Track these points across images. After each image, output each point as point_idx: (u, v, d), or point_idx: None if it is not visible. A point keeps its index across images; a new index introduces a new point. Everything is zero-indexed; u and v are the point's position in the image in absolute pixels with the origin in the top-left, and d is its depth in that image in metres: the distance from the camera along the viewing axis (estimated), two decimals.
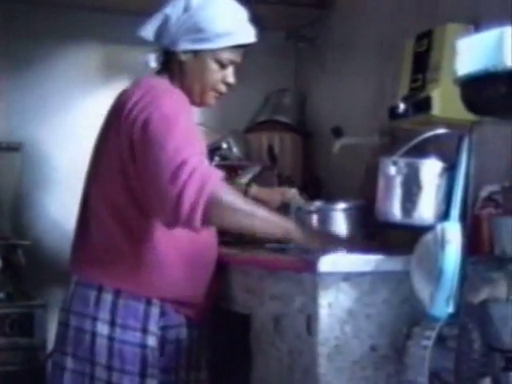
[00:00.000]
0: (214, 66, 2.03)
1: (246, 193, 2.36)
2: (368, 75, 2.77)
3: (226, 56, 2.03)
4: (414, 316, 1.76)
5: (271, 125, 3.13)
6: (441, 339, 1.68)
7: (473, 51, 1.56)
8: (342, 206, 2.17)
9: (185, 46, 2.00)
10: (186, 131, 1.85)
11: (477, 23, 2.13)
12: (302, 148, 3.13)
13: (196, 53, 2.01)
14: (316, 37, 3.16)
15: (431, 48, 2.14)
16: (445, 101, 2.03)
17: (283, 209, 2.26)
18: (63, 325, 2.00)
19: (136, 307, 1.95)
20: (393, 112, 2.18)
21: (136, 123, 1.86)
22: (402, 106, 2.15)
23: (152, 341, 1.96)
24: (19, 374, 2.62)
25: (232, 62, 2.05)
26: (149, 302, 1.96)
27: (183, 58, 2.02)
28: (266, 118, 3.16)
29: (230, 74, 2.06)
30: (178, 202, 1.74)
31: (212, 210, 1.77)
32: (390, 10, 2.67)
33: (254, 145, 3.01)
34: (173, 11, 2.01)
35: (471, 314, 1.70)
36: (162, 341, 1.98)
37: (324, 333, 1.75)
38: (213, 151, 2.73)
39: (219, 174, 1.82)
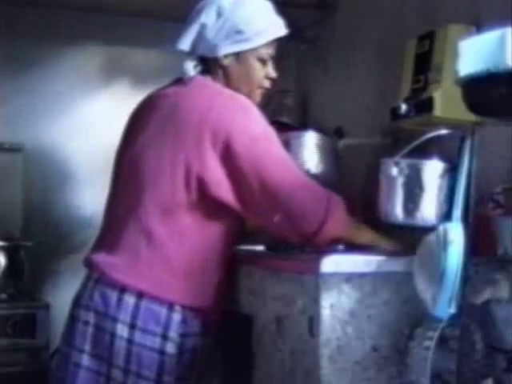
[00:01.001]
0: (257, 65, 2.07)
1: None
2: (370, 76, 2.77)
3: (265, 52, 2.07)
4: (416, 317, 1.76)
5: (273, 126, 3.12)
6: (443, 340, 1.68)
7: (474, 52, 1.56)
8: None
9: (225, 50, 2.02)
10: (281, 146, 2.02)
11: (478, 24, 2.12)
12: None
13: (238, 55, 2.04)
14: (318, 38, 3.16)
15: (433, 49, 2.14)
16: (447, 101, 2.03)
17: None
18: (82, 322, 1.98)
19: (158, 312, 1.94)
20: (395, 113, 2.18)
21: (232, 132, 1.91)
22: (403, 107, 2.14)
23: (171, 348, 1.95)
24: (21, 375, 2.62)
25: (271, 57, 2.09)
26: (171, 308, 1.95)
27: (225, 62, 2.04)
28: (268, 119, 3.16)
29: (271, 69, 2.11)
30: (320, 227, 1.93)
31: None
32: (391, 11, 2.67)
33: None
34: (207, 19, 2.02)
35: (473, 315, 1.70)
36: (180, 349, 1.96)
37: (326, 334, 1.75)
38: None
39: (343, 204, 1.99)
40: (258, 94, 2.11)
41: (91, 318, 1.96)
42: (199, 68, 2.04)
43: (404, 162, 1.85)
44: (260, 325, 2.01)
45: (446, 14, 2.32)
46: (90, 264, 2.04)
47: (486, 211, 1.86)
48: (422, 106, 2.10)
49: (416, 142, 1.85)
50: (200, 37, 2.03)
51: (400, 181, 1.85)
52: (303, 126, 3.21)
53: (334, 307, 1.75)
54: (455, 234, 1.66)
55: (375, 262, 1.77)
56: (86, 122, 2.85)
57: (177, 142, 1.94)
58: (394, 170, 1.85)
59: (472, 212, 1.68)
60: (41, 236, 2.99)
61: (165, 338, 1.94)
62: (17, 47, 2.99)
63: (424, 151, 1.87)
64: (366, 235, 2.03)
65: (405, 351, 1.74)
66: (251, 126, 1.95)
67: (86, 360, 1.96)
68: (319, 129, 2.80)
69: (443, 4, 2.36)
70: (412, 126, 2.22)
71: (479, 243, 1.69)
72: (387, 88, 2.54)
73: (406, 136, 2.14)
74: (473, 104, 1.61)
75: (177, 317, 1.95)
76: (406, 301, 1.80)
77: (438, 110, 2.05)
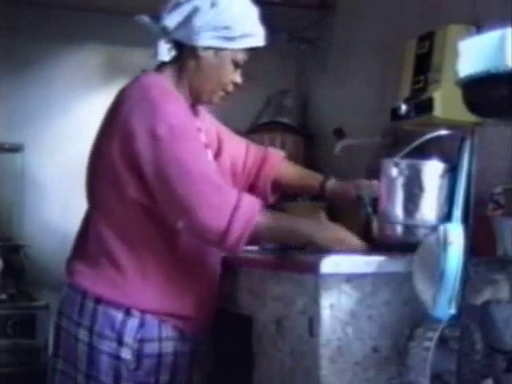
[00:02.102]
0: (230, 66, 1.99)
1: (323, 186, 2.23)
2: (370, 76, 2.77)
3: (241, 56, 1.99)
4: (415, 317, 1.76)
5: (273, 126, 3.13)
6: (443, 340, 1.68)
7: (474, 53, 1.56)
8: None
9: (208, 42, 1.93)
10: (197, 143, 1.91)
11: (478, 25, 2.13)
12: (304, 149, 3.13)
13: (217, 50, 1.95)
14: (318, 38, 3.16)
15: (433, 49, 2.14)
16: (446, 102, 2.03)
17: (358, 200, 2.19)
18: (57, 327, 1.99)
19: (114, 316, 1.90)
20: (394, 113, 2.19)
21: (137, 131, 1.84)
22: (403, 108, 2.15)
23: (126, 353, 1.90)
24: (21, 375, 2.62)
25: (243, 64, 2.02)
26: (128, 313, 1.91)
27: (202, 53, 1.94)
28: (268, 120, 3.17)
29: (238, 75, 2.03)
30: (224, 236, 1.83)
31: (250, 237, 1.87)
32: (391, 11, 2.67)
33: None
34: (201, 4, 1.92)
35: (473, 316, 1.70)
36: (139, 354, 1.91)
37: (326, 334, 1.75)
38: None
39: (257, 204, 1.88)
40: (219, 95, 2.02)
41: (63, 322, 1.97)
42: (173, 53, 1.98)
43: (404, 163, 1.85)
44: (260, 325, 2.01)
45: (445, 14, 2.32)
46: (66, 273, 2.04)
47: (486, 212, 1.87)
48: (422, 106, 2.10)
49: (416, 143, 1.85)
50: (187, 20, 1.93)
51: (400, 181, 1.85)
52: (303, 126, 3.22)
53: (334, 307, 1.75)
54: (455, 234, 1.66)
55: (375, 263, 1.77)
56: (86, 122, 2.83)
57: (99, 140, 1.93)
58: (394, 171, 1.85)
59: (472, 212, 1.68)
60: (40, 236, 2.99)
61: (120, 343, 1.90)
62: (16, 47, 2.99)
63: (424, 152, 1.87)
64: (287, 232, 1.96)
65: (405, 352, 1.74)
66: (157, 124, 1.84)
67: (60, 364, 1.97)
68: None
69: (443, 4, 2.36)
70: (412, 127, 2.22)
71: (479, 244, 1.69)
72: (387, 88, 2.55)
73: (406, 136, 2.14)
74: (473, 104, 1.61)
75: (133, 322, 1.91)
76: (406, 301, 1.80)
77: (438, 111, 2.06)
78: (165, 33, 1.95)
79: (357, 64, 2.89)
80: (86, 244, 1.98)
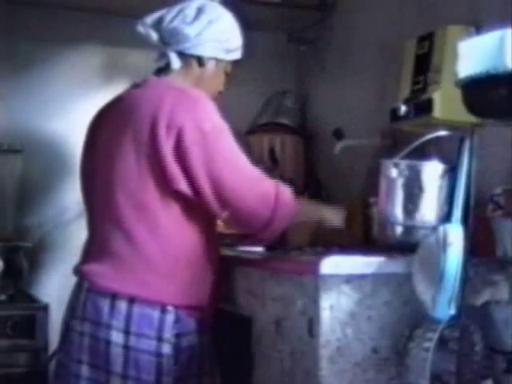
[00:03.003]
0: (223, 76, 2.19)
1: None
2: (369, 77, 2.77)
3: (229, 68, 2.19)
4: (415, 318, 1.76)
5: (272, 127, 3.13)
6: (442, 341, 1.68)
7: (474, 53, 1.56)
8: None
9: (212, 52, 2.11)
10: (233, 140, 2.02)
11: (478, 25, 2.12)
12: (304, 150, 3.13)
13: (218, 61, 2.14)
14: (317, 39, 3.16)
15: (432, 50, 2.14)
16: (446, 103, 2.03)
17: None
18: (78, 333, 1.99)
19: (151, 315, 1.94)
20: (394, 114, 2.19)
21: (185, 127, 1.92)
22: (403, 108, 2.15)
23: (167, 349, 1.95)
24: (21, 376, 2.62)
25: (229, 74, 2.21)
26: (163, 309, 1.95)
27: (207, 63, 2.12)
28: (268, 121, 3.16)
29: (224, 84, 2.22)
30: (269, 223, 2.00)
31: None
32: (391, 12, 2.67)
33: (255, 147, 3.01)
34: (212, 18, 2.10)
35: (473, 316, 1.70)
36: (177, 349, 1.97)
37: (325, 335, 1.75)
38: None
39: (291, 192, 2.05)
40: None
41: (86, 327, 1.97)
42: (178, 62, 2.11)
43: (403, 163, 1.85)
44: (259, 326, 2.01)
45: (445, 15, 2.32)
46: (80, 274, 2.05)
47: (486, 212, 1.86)
48: (422, 107, 2.10)
49: (415, 143, 1.85)
50: (199, 33, 2.09)
51: (400, 182, 1.85)
52: (302, 127, 3.22)
53: (333, 308, 1.75)
54: (455, 235, 1.66)
55: (375, 263, 1.77)
56: (85, 123, 2.83)
57: (136, 139, 1.96)
58: (394, 172, 1.85)
59: (471, 213, 1.68)
60: (40, 237, 2.99)
61: (160, 339, 1.94)
62: (15, 47, 2.98)
63: (423, 152, 1.88)
64: (311, 214, 2.21)
65: (404, 352, 1.74)
66: (203, 121, 1.95)
67: (84, 371, 1.97)
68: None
69: (442, 5, 2.36)
70: (411, 128, 2.22)
71: (479, 244, 1.69)
72: (386, 89, 2.55)
73: (406, 137, 2.14)
74: (472, 105, 1.61)
75: (170, 318, 1.96)
76: (405, 302, 1.80)
77: (438, 112, 2.06)
78: (165, 43, 2.10)
79: (356, 65, 2.89)
80: (107, 246, 1.99)
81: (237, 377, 2.18)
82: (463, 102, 1.62)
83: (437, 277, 1.63)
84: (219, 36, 2.10)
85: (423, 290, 1.68)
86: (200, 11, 2.10)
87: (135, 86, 2.12)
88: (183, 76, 2.11)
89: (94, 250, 2.05)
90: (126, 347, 1.93)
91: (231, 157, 1.99)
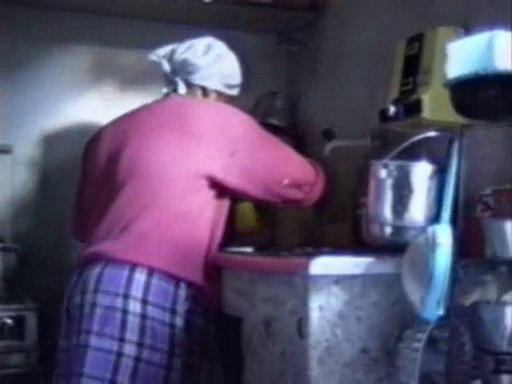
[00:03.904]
0: None
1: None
2: (359, 78, 2.77)
3: (227, 102, 2.40)
4: (405, 318, 1.76)
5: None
6: (432, 342, 1.68)
7: (463, 54, 1.57)
8: None
9: (215, 85, 2.39)
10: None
11: (467, 26, 2.13)
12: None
13: (219, 94, 2.40)
14: (308, 40, 3.16)
15: (422, 51, 2.14)
16: (435, 104, 2.03)
17: None
18: (88, 305, 2.04)
19: (166, 288, 2.06)
20: (384, 115, 2.19)
21: (237, 126, 2.24)
22: (392, 109, 2.15)
23: (180, 322, 2.06)
24: (10, 377, 2.61)
25: None
26: (177, 285, 2.07)
27: (211, 94, 2.39)
28: (258, 121, 3.16)
29: None
30: (314, 186, 2.38)
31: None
32: (381, 13, 2.67)
33: None
34: (220, 53, 2.40)
35: (462, 317, 1.71)
36: (188, 323, 2.07)
37: (315, 336, 1.75)
38: None
39: (323, 174, 2.42)
40: None
41: (99, 299, 2.03)
42: (184, 89, 2.38)
43: (393, 164, 1.85)
44: (249, 326, 2.01)
45: (435, 16, 2.33)
46: (92, 257, 2.11)
47: (475, 213, 1.87)
48: (411, 108, 2.10)
49: (405, 144, 1.85)
50: (210, 65, 2.38)
51: (389, 183, 1.85)
52: (293, 127, 3.22)
53: (323, 309, 1.76)
54: (444, 235, 1.66)
55: (364, 264, 1.77)
56: (75, 123, 2.83)
57: (191, 145, 2.16)
58: (383, 172, 1.85)
59: (461, 214, 1.68)
60: (30, 238, 2.98)
61: (173, 312, 2.05)
62: (5, 48, 2.97)
63: (413, 153, 1.88)
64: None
65: (394, 353, 1.74)
66: (249, 124, 2.29)
67: (93, 340, 2.00)
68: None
69: (432, 6, 2.36)
70: (401, 128, 2.22)
71: (468, 245, 1.70)
72: (376, 90, 2.55)
73: (395, 138, 2.14)
74: (461, 106, 1.62)
75: (182, 293, 2.08)
76: (395, 302, 1.80)
77: (427, 112, 2.06)
78: (174, 72, 2.37)
79: (347, 66, 2.89)
80: (131, 228, 2.10)
81: (227, 377, 2.18)
82: (452, 102, 1.62)
83: (426, 277, 1.64)
84: (224, 71, 2.38)
85: (412, 291, 1.68)
86: (209, 47, 2.38)
87: (167, 98, 2.37)
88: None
89: (113, 233, 2.13)
90: (144, 316, 2.01)
91: (279, 146, 2.42)
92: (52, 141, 3.05)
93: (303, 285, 1.77)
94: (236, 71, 2.44)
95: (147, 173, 2.16)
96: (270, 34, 3.25)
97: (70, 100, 3.06)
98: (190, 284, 2.10)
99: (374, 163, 1.89)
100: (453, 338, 1.67)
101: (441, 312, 1.64)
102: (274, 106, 3.20)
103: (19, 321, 2.64)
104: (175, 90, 2.37)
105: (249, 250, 2.28)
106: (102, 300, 2.02)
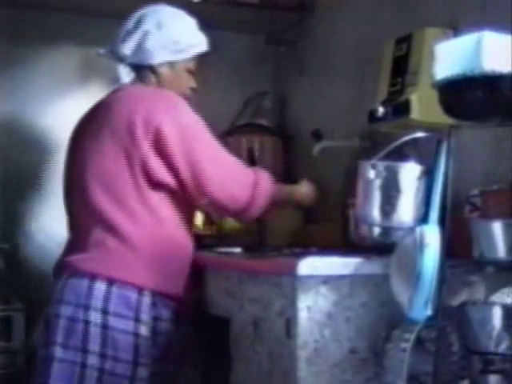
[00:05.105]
0: (185, 75, 2.26)
1: None
2: (348, 79, 2.78)
3: (192, 63, 2.26)
4: (392, 319, 1.76)
5: (251, 128, 3.12)
6: (419, 342, 1.68)
7: (451, 55, 1.57)
8: None
9: (161, 58, 2.20)
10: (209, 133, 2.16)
11: (455, 27, 2.14)
12: (282, 151, 3.13)
13: (171, 64, 2.22)
14: (296, 40, 3.16)
15: (410, 52, 2.14)
16: (423, 105, 2.04)
17: None
18: (53, 316, 2.03)
19: (129, 296, 2.01)
20: (372, 115, 2.19)
21: (164, 123, 2.04)
22: (381, 110, 2.15)
23: (144, 330, 2.01)
24: None
25: (195, 69, 2.29)
26: (141, 292, 2.02)
27: (160, 69, 2.21)
28: (246, 122, 3.16)
29: (193, 80, 2.29)
30: (247, 208, 2.14)
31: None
32: (369, 14, 2.67)
33: (234, 148, 3.00)
34: (150, 28, 2.18)
35: (450, 317, 1.71)
36: (154, 331, 2.03)
37: (303, 336, 1.75)
38: None
39: (270, 179, 2.20)
40: None
41: (62, 310, 2.02)
42: (132, 74, 2.22)
43: (381, 165, 1.85)
44: (237, 327, 2.01)
45: (423, 17, 2.33)
46: (61, 267, 2.11)
47: (463, 214, 1.87)
48: (399, 108, 2.10)
49: (393, 145, 1.85)
50: (141, 44, 2.18)
51: (377, 183, 1.85)
52: (281, 128, 3.22)
53: (311, 309, 1.75)
54: (432, 236, 1.66)
55: (352, 264, 1.78)
56: (64, 122, 2.81)
57: (113, 136, 2.07)
58: (371, 173, 1.85)
59: (448, 214, 1.69)
60: (18, 238, 2.97)
61: (137, 320, 2.01)
62: None
63: (401, 154, 1.88)
64: (287, 197, 2.32)
65: (382, 353, 1.74)
66: (179, 115, 2.09)
67: (58, 352, 2.00)
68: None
69: (421, 7, 2.37)
70: (389, 129, 2.23)
71: (455, 245, 1.70)
72: (365, 91, 2.55)
73: (384, 139, 2.14)
74: (449, 107, 1.62)
75: (147, 300, 2.03)
76: (383, 303, 1.80)
77: (415, 113, 2.06)
78: (122, 59, 2.20)
79: (335, 66, 2.89)
80: (91, 238, 2.07)
81: (215, 378, 2.17)
82: (440, 103, 1.62)
83: (414, 278, 1.64)
84: (162, 41, 2.18)
85: (400, 291, 1.68)
86: (138, 23, 2.19)
87: (113, 91, 2.22)
88: (145, 86, 2.21)
89: (75, 245, 2.12)
90: (105, 327, 1.99)
91: (210, 147, 2.12)
92: (41, 140, 3.04)
93: (291, 285, 1.77)
94: (182, 33, 2.21)
95: (95, 180, 2.09)
96: (259, 35, 3.25)
97: (59, 100, 3.06)
98: (154, 291, 2.05)
99: (363, 164, 1.89)
100: (440, 338, 1.67)
101: (428, 312, 1.65)
102: (262, 106, 3.21)
103: (6, 322, 2.63)
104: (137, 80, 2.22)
105: (237, 250, 2.28)
106: (65, 311, 2.02)
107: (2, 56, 2.98)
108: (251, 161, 2.93)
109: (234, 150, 2.98)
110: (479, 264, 1.77)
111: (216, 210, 2.19)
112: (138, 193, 2.05)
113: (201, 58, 2.30)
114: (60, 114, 3.04)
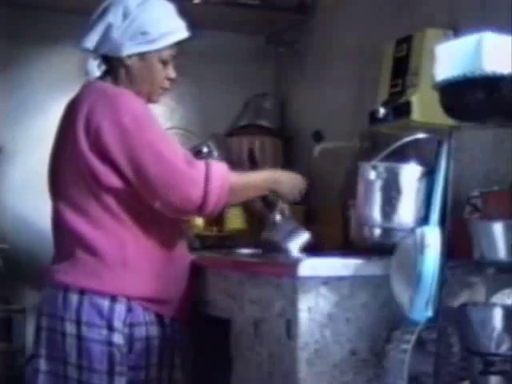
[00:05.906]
0: (159, 66, 2.11)
1: None
2: (348, 80, 2.78)
3: (167, 53, 2.10)
4: (393, 320, 1.76)
5: (252, 129, 3.13)
6: (420, 343, 1.68)
7: (451, 56, 1.57)
8: None
9: (130, 50, 2.06)
10: (160, 126, 2.05)
11: (456, 29, 2.14)
12: (283, 152, 3.13)
13: (141, 55, 2.08)
14: (296, 41, 3.16)
15: (411, 53, 2.15)
16: (424, 106, 2.04)
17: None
18: (37, 328, 2.03)
19: (101, 305, 1.97)
20: (372, 117, 2.19)
21: (103, 125, 1.95)
22: (381, 111, 2.15)
23: (118, 338, 1.97)
24: None
25: (172, 58, 2.13)
26: (114, 299, 1.98)
27: (129, 62, 2.08)
28: (247, 122, 3.16)
29: (171, 70, 2.14)
30: (203, 204, 1.97)
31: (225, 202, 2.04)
32: (370, 15, 2.67)
33: (234, 149, 3.01)
34: (114, 19, 2.06)
35: (450, 318, 1.71)
36: (130, 338, 1.99)
37: (304, 337, 1.75)
38: (193, 155, 2.73)
39: (225, 168, 2.03)
40: (158, 93, 2.15)
41: (44, 321, 2.01)
42: (103, 67, 2.12)
43: (382, 166, 1.85)
44: (238, 328, 2.01)
45: (423, 18, 2.33)
46: (44, 274, 2.09)
47: (463, 215, 1.87)
48: (400, 109, 2.11)
49: (393, 146, 1.85)
50: (105, 36, 2.07)
51: (378, 184, 1.85)
52: (282, 129, 3.22)
53: (311, 310, 1.75)
54: (432, 237, 1.66)
55: (353, 266, 1.78)
56: None
57: (66, 142, 2.04)
58: (372, 174, 1.85)
59: (449, 215, 1.69)
60: (18, 239, 2.97)
61: (110, 329, 1.97)
62: None
63: (401, 155, 1.88)
64: (256, 182, 2.17)
65: (382, 354, 1.74)
66: (120, 116, 1.97)
67: (43, 364, 2.00)
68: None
69: (421, 8, 2.37)
70: (390, 130, 2.23)
71: (456, 246, 1.70)
72: (365, 92, 2.55)
73: (384, 140, 2.15)
74: (449, 108, 1.62)
75: (120, 307, 1.98)
76: (383, 304, 1.80)
77: (416, 114, 2.07)
78: (90, 52, 2.10)
79: (335, 67, 2.89)
80: (60, 247, 2.06)
81: (216, 379, 2.17)
82: (440, 104, 1.62)
83: (414, 279, 1.64)
84: (129, 31, 2.04)
85: (401, 292, 1.68)
86: (103, 13, 2.08)
87: (81, 87, 2.15)
88: (114, 80, 2.11)
89: (55, 253, 2.11)
90: (79, 337, 1.96)
91: (153, 146, 1.97)
92: (41, 140, 3.04)
93: (291, 286, 1.77)
94: (152, 23, 2.06)
95: (58, 190, 2.08)
96: (259, 36, 3.25)
97: (58, 100, 3.04)
98: (129, 296, 1.99)
99: (363, 165, 1.89)
100: (441, 339, 1.67)
101: (429, 313, 1.65)
102: (262, 107, 3.21)
103: (6, 323, 2.63)
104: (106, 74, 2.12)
105: (246, 251, 2.28)
106: (45, 323, 2.01)
107: (2, 56, 2.98)
108: (252, 161, 2.93)
109: (235, 151, 3.00)
110: (480, 265, 1.77)
111: (172, 212, 2.01)
112: (96, 200, 1.99)
113: (180, 45, 2.13)
114: (59, 113, 3.04)
